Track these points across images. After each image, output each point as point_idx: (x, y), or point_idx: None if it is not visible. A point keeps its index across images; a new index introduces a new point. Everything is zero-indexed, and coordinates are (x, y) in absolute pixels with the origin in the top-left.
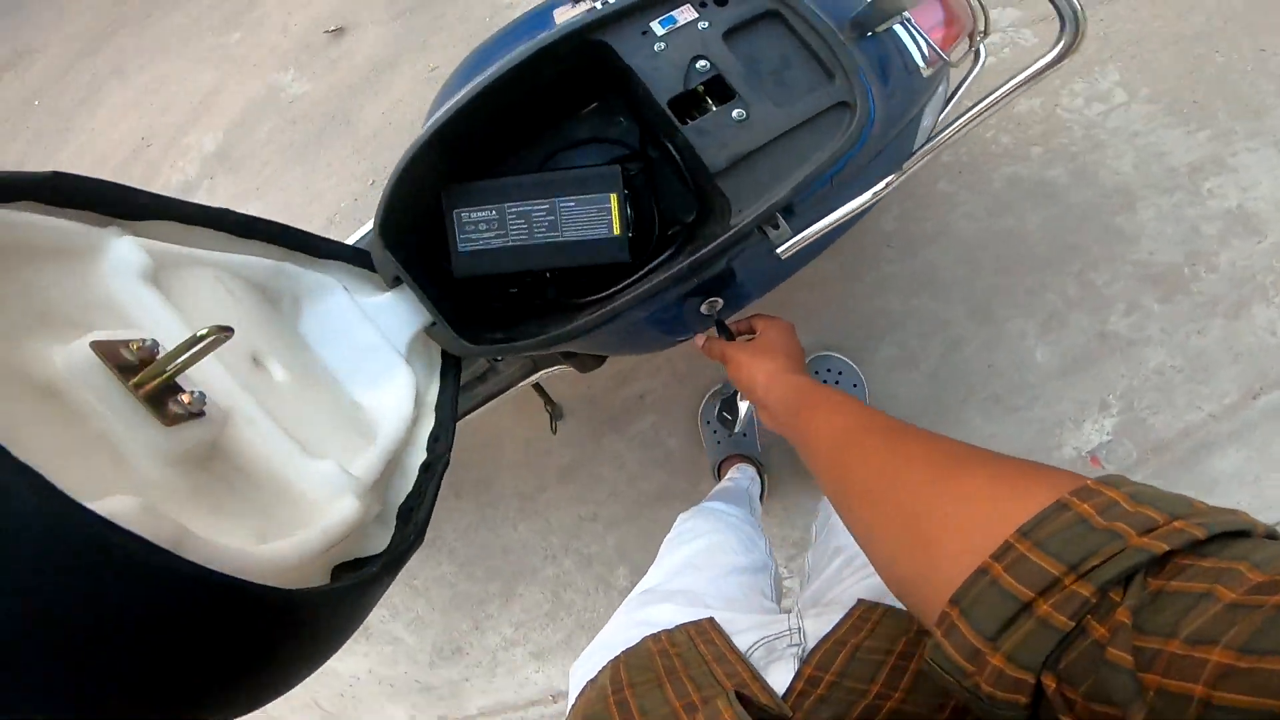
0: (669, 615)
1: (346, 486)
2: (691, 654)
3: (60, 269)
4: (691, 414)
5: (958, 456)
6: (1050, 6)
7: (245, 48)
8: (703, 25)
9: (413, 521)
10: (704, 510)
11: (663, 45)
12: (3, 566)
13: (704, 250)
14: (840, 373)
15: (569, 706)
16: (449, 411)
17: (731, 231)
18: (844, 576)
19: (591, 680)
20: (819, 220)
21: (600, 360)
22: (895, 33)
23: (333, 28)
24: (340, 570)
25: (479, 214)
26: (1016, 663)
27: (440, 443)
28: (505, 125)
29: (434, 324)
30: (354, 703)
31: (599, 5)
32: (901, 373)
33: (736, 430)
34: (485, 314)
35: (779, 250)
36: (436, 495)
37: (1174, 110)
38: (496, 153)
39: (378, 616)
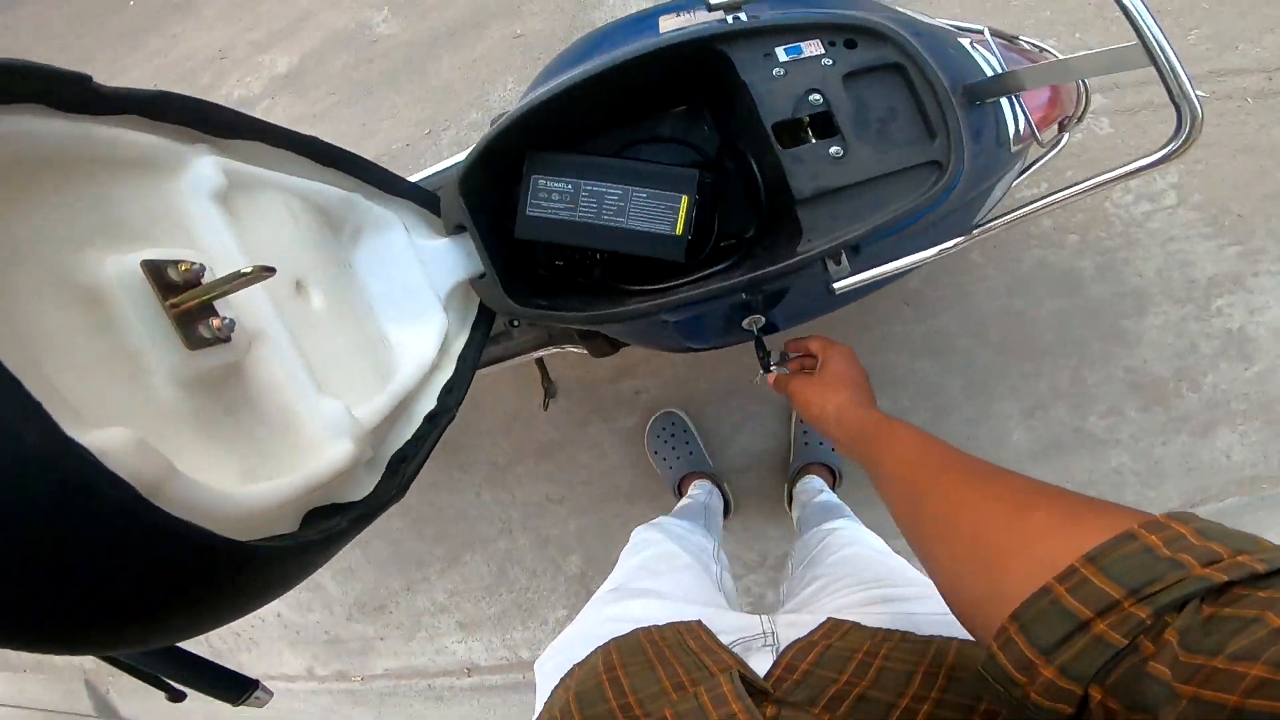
0: (642, 611)
1: (346, 430)
2: (680, 645)
3: (139, 183)
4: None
5: (1030, 490)
6: (1135, 98)
7: None
8: (826, 62)
9: (401, 473)
10: (658, 524)
11: (782, 71)
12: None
13: (767, 270)
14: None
15: (539, 702)
16: (470, 365)
17: (797, 258)
18: (820, 599)
19: (579, 663)
20: (878, 266)
21: (615, 348)
22: (1000, 104)
23: None
24: (312, 516)
25: (556, 184)
26: (1068, 675)
27: (453, 394)
28: (600, 107)
29: (482, 276)
30: (249, 644)
31: (705, 18)
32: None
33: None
34: (529, 279)
35: (835, 285)
36: (432, 450)
37: (1215, 221)
38: (581, 130)
39: None
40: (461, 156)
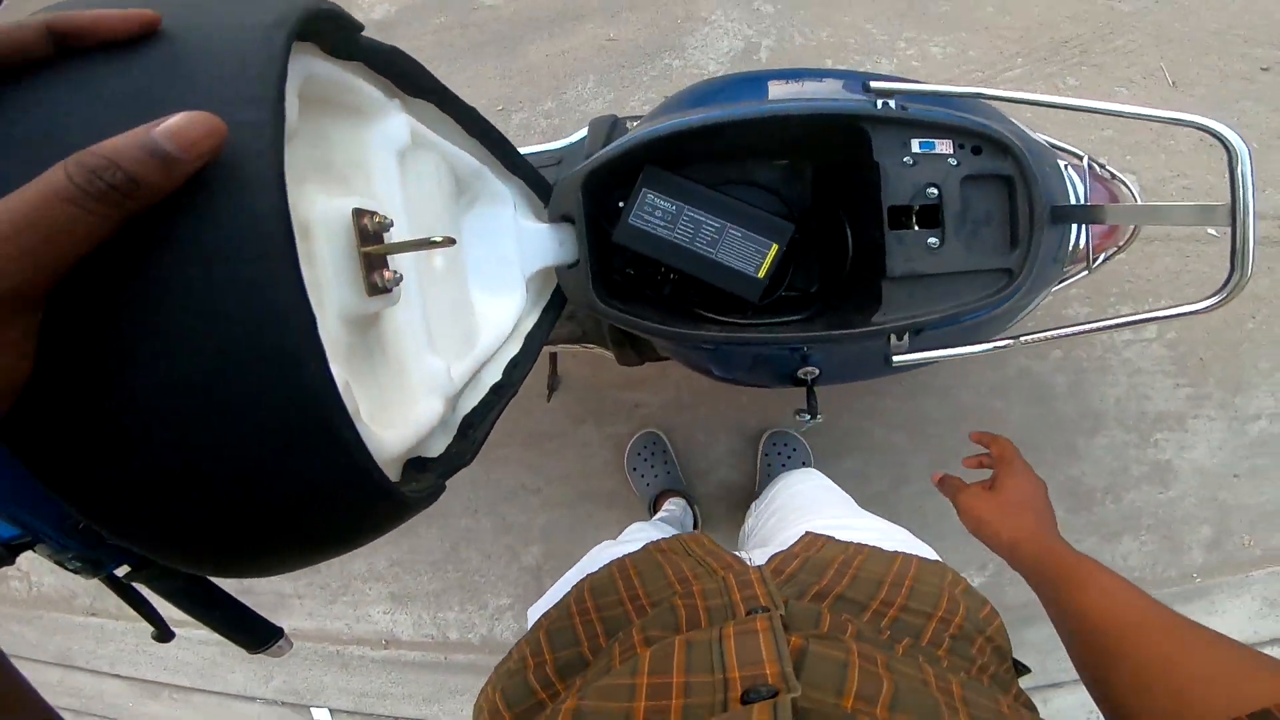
0: (641, 543)
1: (441, 388)
2: (684, 551)
3: (348, 128)
4: (676, 440)
5: (1223, 644)
6: (1150, 235)
7: None
8: (952, 162)
9: (470, 437)
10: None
11: (911, 161)
12: (239, 410)
13: (846, 331)
14: (794, 450)
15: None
16: (537, 344)
17: (872, 327)
18: (784, 527)
19: (592, 572)
20: (932, 350)
21: (643, 360)
22: (1070, 227)
23: None
24: (409, 469)
25: (662, 201)
26: None
27: (518, 369)
28: (725, 145)
29: (570, 266)
30: None
31: (819, 90)
32: (849, 484)
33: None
34: (606, 281)
35: (895, 358)
36: (497, 419)
37: (1180, 361)
38: (690, 157)
39: None
40: (549, 145)
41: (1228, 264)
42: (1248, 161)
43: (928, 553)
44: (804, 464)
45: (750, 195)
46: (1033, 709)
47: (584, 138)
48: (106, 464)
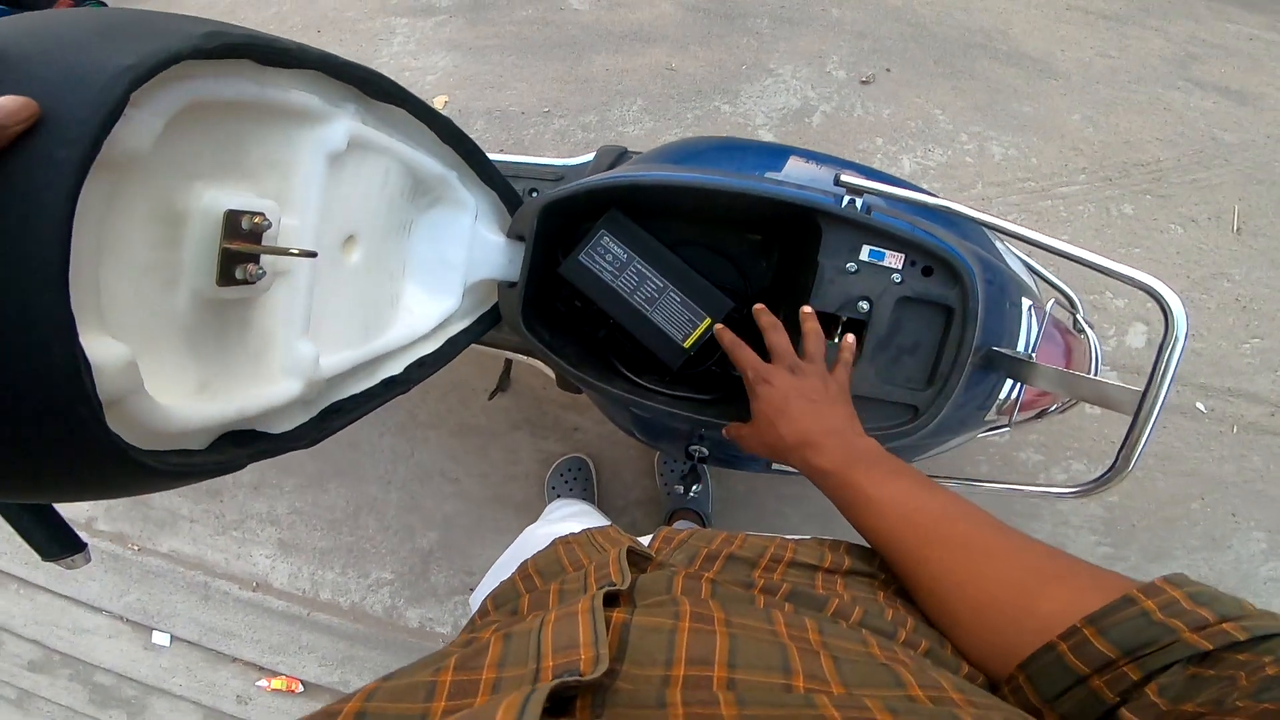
0: (564, 529)
1: (303, 373)
2: (589, 543)
3: (280, 129)
4: (603, 473)
5: (1034, 554)
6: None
7: None
8: (895, 278)
9: (326, 424)
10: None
11: (854, 268)
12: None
13: (728, 423)
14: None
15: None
16: (455, 350)
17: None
18: None
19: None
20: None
21: (579, 390)
22: (1002, 376)
23: None
24: (223, 440)
25: (616, 247)
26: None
27: (422, 370)
28: (698, 205)
29: (513, 285)
30: None
31: (825, 178)
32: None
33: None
34: (546, 308)
35: (774, 466)
36: (367, 413)
37: (1112, 524)
38: (664, 210)
39: None
40: (554, 161)
41: (1188, 445)
42: (1182, 341)
43: None
44: (696, 496)
45: (712, 262)
46: (928, 637)
47: (589, 161)
48: None
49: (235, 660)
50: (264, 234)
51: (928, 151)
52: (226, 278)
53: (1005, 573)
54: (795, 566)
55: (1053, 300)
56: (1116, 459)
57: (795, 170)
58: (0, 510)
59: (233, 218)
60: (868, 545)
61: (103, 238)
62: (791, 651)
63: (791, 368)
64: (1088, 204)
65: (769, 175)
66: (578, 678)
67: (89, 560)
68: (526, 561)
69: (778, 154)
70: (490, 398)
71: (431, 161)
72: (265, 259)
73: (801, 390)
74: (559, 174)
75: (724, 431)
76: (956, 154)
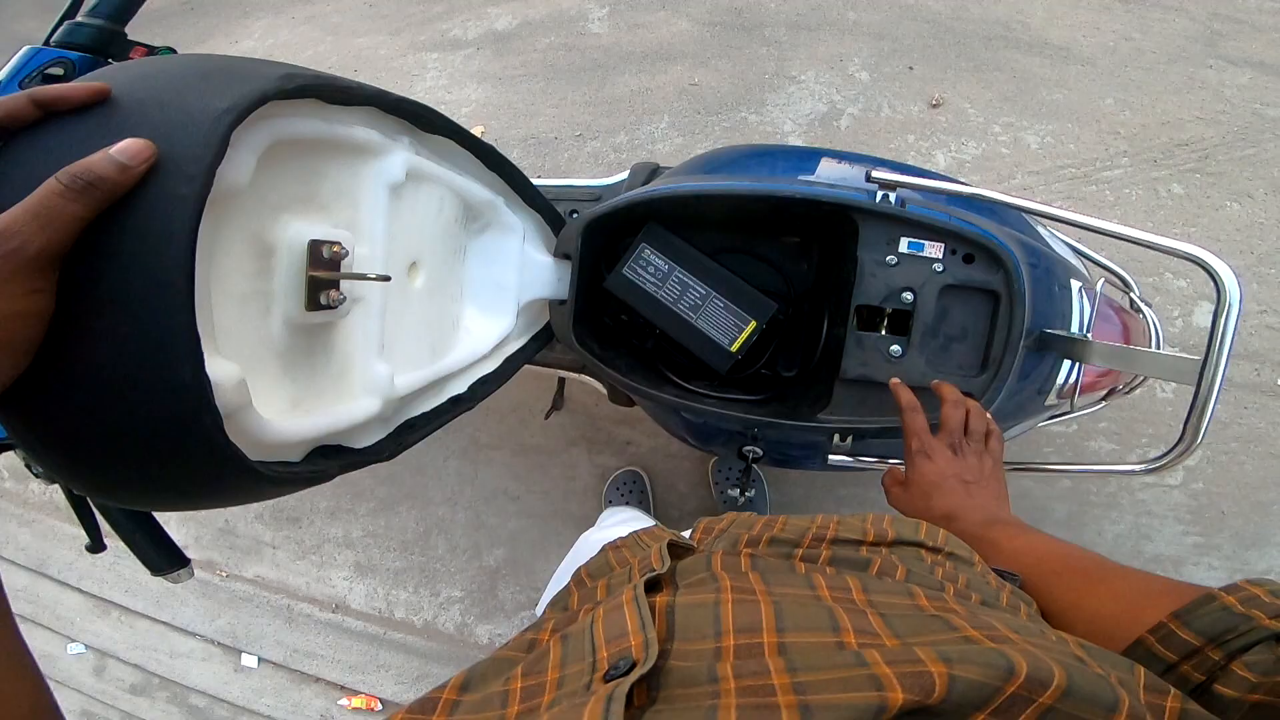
0: (617, 532)
1: (381, 392)
2: (635, 543)
3: (345, 163)
4: (658, 486)
5: (1140, 577)
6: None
7: None
8: (937, 268)
9: (402, 439)
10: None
11: (895, 261)
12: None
13: (784, 421)
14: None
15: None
16: (513, 368)
17: (814, 423)
18: None
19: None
20: (868, 458)
21: (631, 404)
22: (1059, 359)
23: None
24: (315, 453)
25: (657, 259)
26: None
27: (485, 387)
28: (735, 213)
29: (563, 302)
30: None
31: (859, 176)
32: None
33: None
34: (595, 323)
35: (831, 458)
36: (438, 429)
37: (1199, 511)
38: (702, 221)
39: None
40: (591, 181)
41: (1274, 426)
42: (1236, 309)
43: None
44: (752, 499)
45: (753, 267)
46: (1026, 603)
47: (624, 179)
48: (50, 393)
49: (318, 680)
50: (342, 262)
51: (961, 146)
52: (313, 304)
53: (1112, 593)
54: (838, 543)
55: (1102, 280)
56: (1184, 432)
57: (827, 171)
58: (117, 530)
59: (315, 247)
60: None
61: (210, 268)
62: (837, 611)
63: (954, 446)
64: (1134, 187)
65: (801, 177)
66: (632, 665)
67: (192, 575)
68: (580, 568)
69: (808, 156)
70: (547, 417)
71: (480, 188)
72: (344, 285)
73: (959, 472)
74: (596, 194)
75: (883, 479)
76: (991, 146)
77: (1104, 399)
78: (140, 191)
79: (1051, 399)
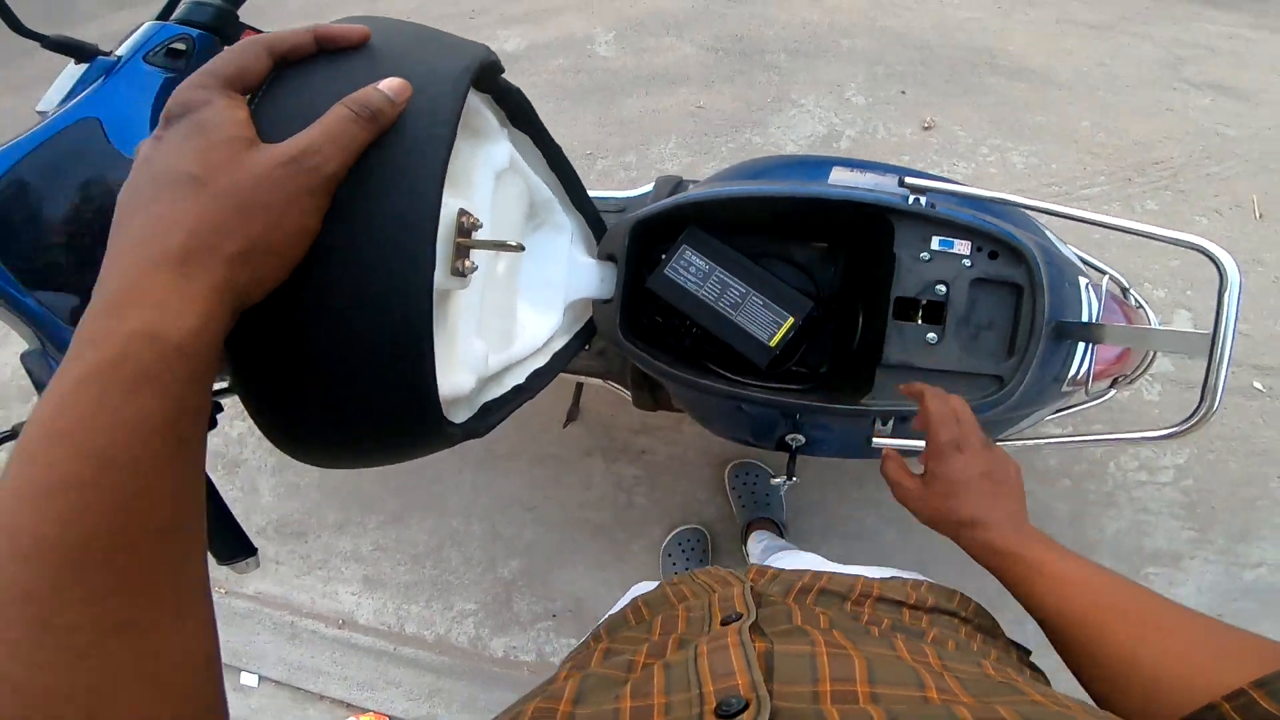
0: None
1: (478, 368)
2: (692, 580)
3: (467, 144)
4: (676, 494)
5: (1198, 627)
6: (1192, 381)
7: None
8: (966, 263)
9: (486, 419)
10: None
11: (928, 257)
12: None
13: (832, 404)
14: (757, 476)
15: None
16: (561, 362)
17: (859, 406)
18: None
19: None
20: (912, 441)
21: (656, 406)
22: (1075, 346)
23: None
24: None
25: (698, 260)
26: None
27: (540, 379)
28: (768, 216)
29: (608, 301)
30: None
31: (880, 181)
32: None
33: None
34: (635, 323)
35: (875, 441)
36: (510, 414)
37: (1191, 507)
38: (735, 226)
39: (254, 463)
40: (616, 193)
41: (1253, 425)
42: (1237, 287)
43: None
44: (768, 495)
45: (784, 270)
46: (1042, 677)
47: (648, 192)
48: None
49: (323, 698)
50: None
51: (952, 166)
52: (453, 269)
53: (1182, 647)
54: (883, 602)
55: (1106, 278)
56: (1201, 398)
57: (847, 177)
58: None
59: (462, 216)
60: (945, 586)
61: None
62: (920, 670)
63: (985, 443)
64: (1112, 203)
65: (832, 182)
66: (745, 705)
67: (259, 565)
68: (638, 598)
69: (842, 164)
70: (564, 426)
71: (544, 187)
72: (473, 255)
73: (992, 470)
74: (621, 205)
75: (887, 472)
76: (980, 166)
77: (1111, 386)
78: (400, 130)
79: (1067, 386)
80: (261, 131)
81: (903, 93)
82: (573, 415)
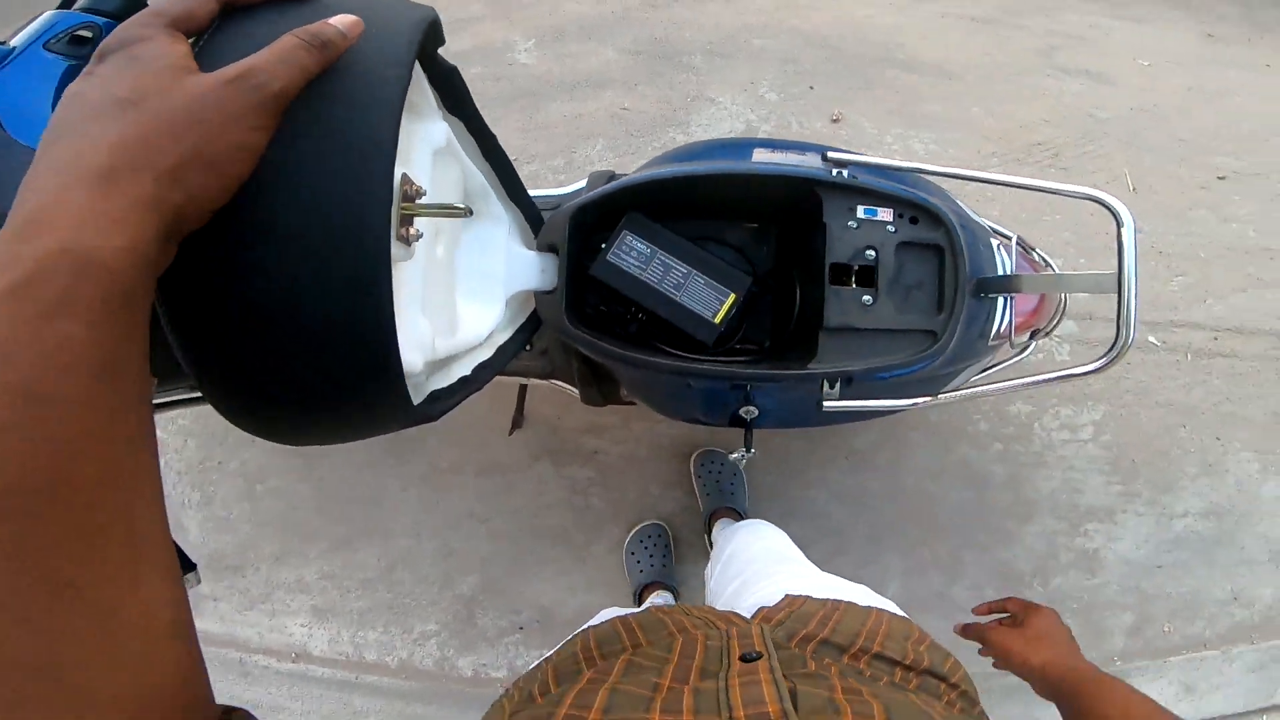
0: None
1: (424, 349)
2: (680, 610)
3: (409, 121)
4: (631, 491)
5: None
6: (1102, 333)
7: (519, 5)
8: (890, 229)
9: (431, 410)
10: None
11: (855, 225)
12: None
13: (780, 371)
14: (722, 465)
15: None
16: (506, 356)
17: (805, 370)
18: (750, 590)
19: (581, 631)
20: (861, 401)
21: (605, 401)
22: (995, 303)
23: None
24: None
25: (639, 244)
26: None
27: (485, 371)
28: (700, 198)
29: (549, 292)
30: None
31: (801, 160)
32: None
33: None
34: (580, 312)
35: (825, 405)
36: (458, 404)
37: (1114, 461)
38: (671, 210)
39: (177, 498)
40: (551, 191)
41: (1155, 378)
42: (1132, 230)
43: (894, 609)
44: (732, 481)
45: (720, 251)
46: None
47: (581, 188)
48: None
49: None
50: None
51: (861, 155)
52: (400, 236)
53: None
54: (880, 659)
55: (1014, 239)
56: (1118, 330)
57: (773, 158)
58: None
59: (404, 182)
60: (942, 647)
61: None
62: (931, 713)
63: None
64: (1032, 190)
65: (761, 159)
66: None
67: (199, 581)
68: (628, 617)
69: (763, 145)
70: (510, 433)
71: (479, 175)
72: (420, 230)
73: (1066, 632)
74: (556, 203)
75: (988, 635)
76: (886, 154)
77: (1031, 338)
78: (356, 67)
79: (993, 340)
80: (204, 68)
81: (811, 88)
82: (518, 422)
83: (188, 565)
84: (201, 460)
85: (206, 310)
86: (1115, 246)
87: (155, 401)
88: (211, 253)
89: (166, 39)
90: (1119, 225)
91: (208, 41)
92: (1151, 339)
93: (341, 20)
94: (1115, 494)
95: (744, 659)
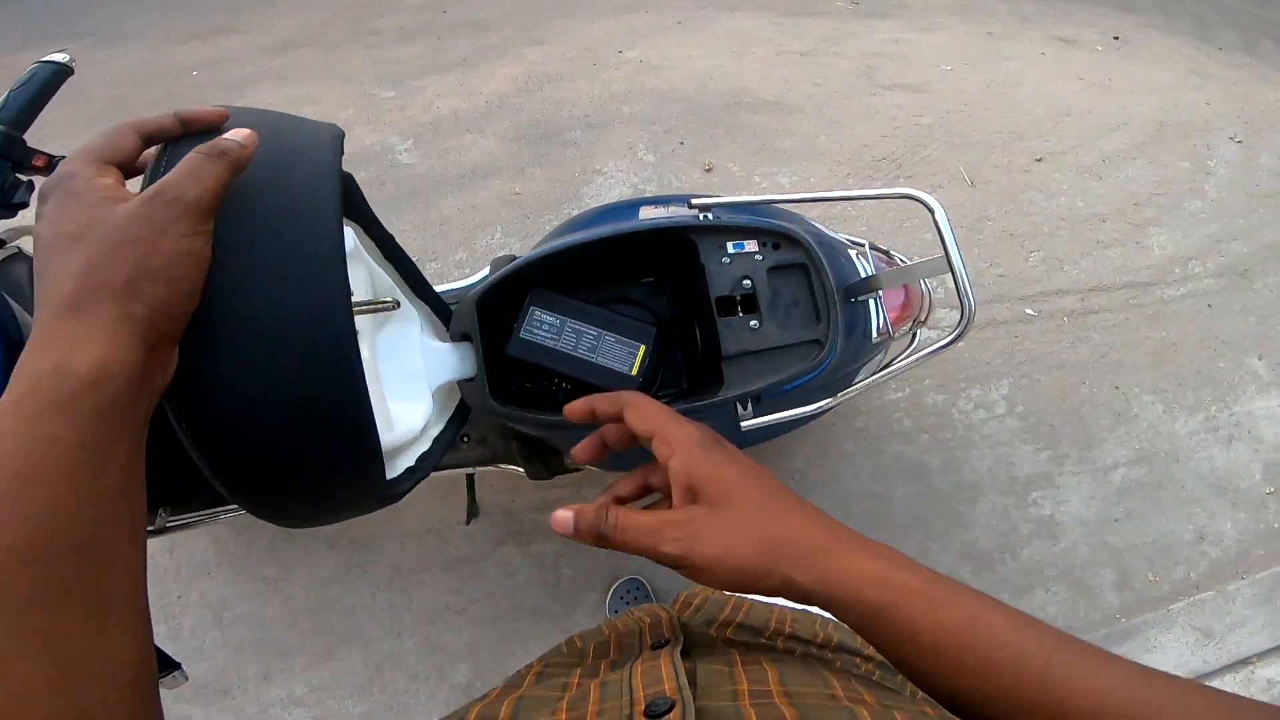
0: None
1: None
2: (629, 615)
3: None
4: (600, 554)
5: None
6: (983, 314)
7: (390, 106)
8: (758, 257)
9: (386, 495)
10: None
11: (729, 260)
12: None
13: (694, 403)
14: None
15: None
16: (442, 446)
17: (717, 398)
18: None
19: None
20: (773, 414)
21: (550, 473)
22: (868, 305)
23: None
24: None
25: (548, 316)
26: None
27: (427, 460)
28: (594, 264)
29: (471, 379)
30: None
31: (678, 211)
32: None
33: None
34: (505, 392)
35: (743, 425)
36: (410, 489)
37: (1033, 429)
38: (574, 279)
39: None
40: (456, 284)
41: (1042, 345)
42: (944, 216)
43: (796, 607)
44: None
45: (624, 309)
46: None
47: (485, 275)
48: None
49: None
50: None
51: (720, 197)
52: None
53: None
54: (794, 639)
55: (866, 245)
56: (960, 302)
57: (656, 212)
58: None
59: None
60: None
61: None
62: (829, 677)
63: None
64: (865, 200)
65: (642, 217)
66: (671, 704)
67: (186, 679)
68: (573, 633)
69: (646, 203)
70: (467, 523)
71: (386, 276)
72: None
73: (760, 477)
74: (462, 295)
75: (637, 536)
76: (757, 192)
77: (910, 329)
78: (288, 172)
79: (876, 338)
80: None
81: (681, 143)
82: (473, 511)
83: (170, 665)
84: (160, 597)
85: (204, 404)
86: (976, 236)
87: (174, 522)
88: (196, 352)
89: (94, 173)
90: (931, 212)
91: (149, 179)
92: (1029, 311)
93: (237, 133)
94: (1046, 459)
95: (654, 646)
